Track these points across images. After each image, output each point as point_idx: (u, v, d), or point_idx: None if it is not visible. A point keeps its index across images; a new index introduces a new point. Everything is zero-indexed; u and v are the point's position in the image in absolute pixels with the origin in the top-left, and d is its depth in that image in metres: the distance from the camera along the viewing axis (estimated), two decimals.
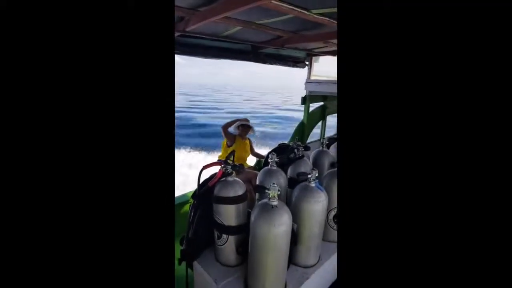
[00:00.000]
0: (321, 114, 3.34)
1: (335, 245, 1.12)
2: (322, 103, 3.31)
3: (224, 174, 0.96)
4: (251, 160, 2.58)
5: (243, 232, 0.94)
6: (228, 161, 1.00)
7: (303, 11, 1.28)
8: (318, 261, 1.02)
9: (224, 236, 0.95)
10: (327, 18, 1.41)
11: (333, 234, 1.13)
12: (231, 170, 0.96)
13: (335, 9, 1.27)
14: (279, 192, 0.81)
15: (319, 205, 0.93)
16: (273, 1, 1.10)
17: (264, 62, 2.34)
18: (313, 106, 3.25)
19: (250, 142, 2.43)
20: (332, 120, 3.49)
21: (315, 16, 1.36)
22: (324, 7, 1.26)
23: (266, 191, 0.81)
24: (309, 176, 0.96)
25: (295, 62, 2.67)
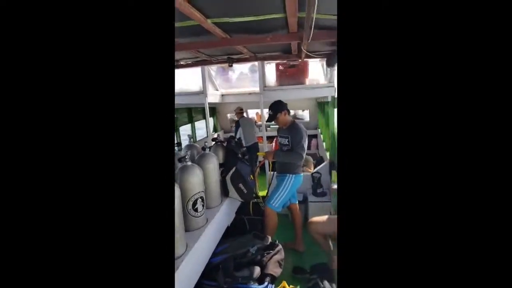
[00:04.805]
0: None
1: (198, 232, 1.22)
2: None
3: None
4: None
5: None
6: None
7: None
8: (186, 250, 1.10)
9: None
10: None
11: (194, 222, 1.22)
12: None
13: None
14: None
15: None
16: None
17: None
18: None
19: None
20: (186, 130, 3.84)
21: None
22: None
23: None
24: None
25: None
